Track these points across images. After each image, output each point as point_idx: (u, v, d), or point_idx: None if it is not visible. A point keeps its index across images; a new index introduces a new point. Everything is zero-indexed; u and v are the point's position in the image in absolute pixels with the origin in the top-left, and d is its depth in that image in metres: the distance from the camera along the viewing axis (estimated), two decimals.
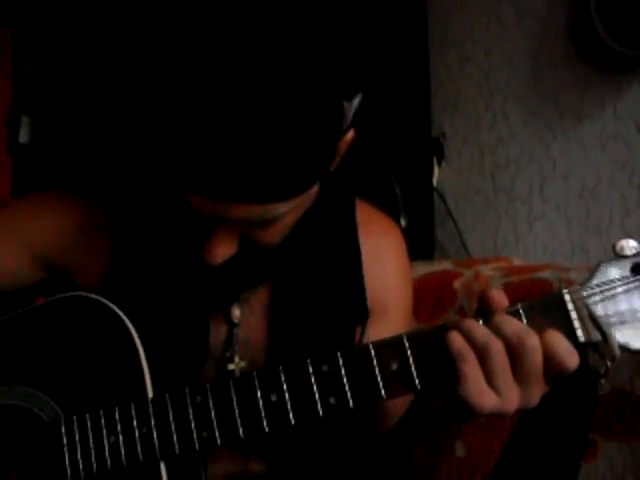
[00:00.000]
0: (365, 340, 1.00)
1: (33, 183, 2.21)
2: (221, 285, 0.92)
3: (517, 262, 1.65)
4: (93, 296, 0.90)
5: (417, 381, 0.77)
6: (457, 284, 1.49)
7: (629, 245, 0.75)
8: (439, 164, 2.38)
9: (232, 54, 0.71)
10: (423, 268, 1.57)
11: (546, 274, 1.40)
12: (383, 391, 0.77)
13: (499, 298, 0.76)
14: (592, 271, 0.77)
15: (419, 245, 2.27)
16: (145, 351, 0.87)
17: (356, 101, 0.79)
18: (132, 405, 0.85)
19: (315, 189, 0.85)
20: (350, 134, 0.83)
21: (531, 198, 2.20)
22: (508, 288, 1.39)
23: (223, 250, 0.81)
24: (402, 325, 1.07)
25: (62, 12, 2.13)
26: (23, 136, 2.23)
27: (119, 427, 0.84)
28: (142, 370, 0.86)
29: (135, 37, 0.78)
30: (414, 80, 2.36)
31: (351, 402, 0.78)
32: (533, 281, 1.37)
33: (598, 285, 0.76)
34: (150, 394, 0.85)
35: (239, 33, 0.72)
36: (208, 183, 0.74)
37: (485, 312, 0.76)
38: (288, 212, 0.81)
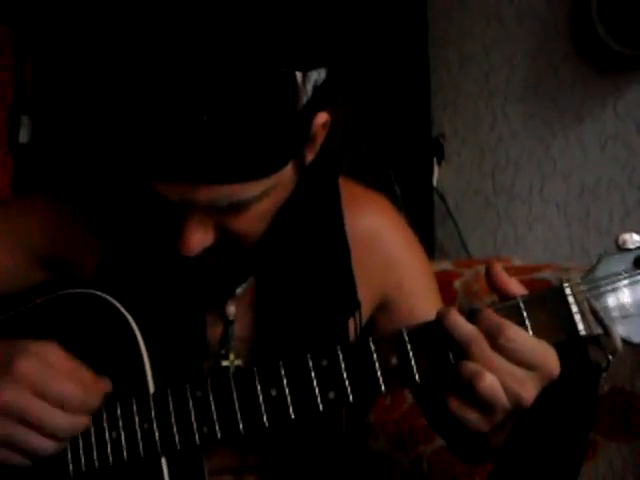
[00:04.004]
0: (392, 323, 0.99)
1: (33, 183, 2.21)
2: (212, 282, 0.91)
3: (517, 262, 1.65)
4: (95, 292, 0.90)
5: (417, 376, 0.77)
6: (457, 284, 1.49)
7: (632, 239, 0.75)
8: (439, 164, 2.39)
9: (176, 31, 0.71)
10: None
11: (546, 274, 1.41)
12: (383, 386, 0.77)
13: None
14: (593, 264, 0.76)
15: None
16: (146, 347, 0.87)
17: (314, 76, 0.76)
18: (134, 400, 0.85)
19: (288, 176, 0.83)
20: (323, 118, 0.81)
21: (531, 198, 2.20)
22: None
23: (196, 239, 0.80)
24: (427, 289, 1.05)
25: (62, 12, 2.13)
26: (23, 136, 2.22)
27: (121, 422, 0.84)
28: (143, 365, 0.86)
29: (93, 26, 0.77)
30: (414, 80, 2.37)
31: (351, 397, 0.78)
32: (533, 281, 1.37)
33: (599, 278, 0.75)
34: (151, 389, 0.85)
35: (180, 11, 0.71)
36: (171, 167, 0.73)
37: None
38: (260, 198, 0.79)
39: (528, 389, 0.74)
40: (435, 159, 2.38)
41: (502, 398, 0.73)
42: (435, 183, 2.38)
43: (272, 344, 0.96)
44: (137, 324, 0.88)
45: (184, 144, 0.71)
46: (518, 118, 2.22)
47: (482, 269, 1.52)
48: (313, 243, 0.98)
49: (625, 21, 1.90)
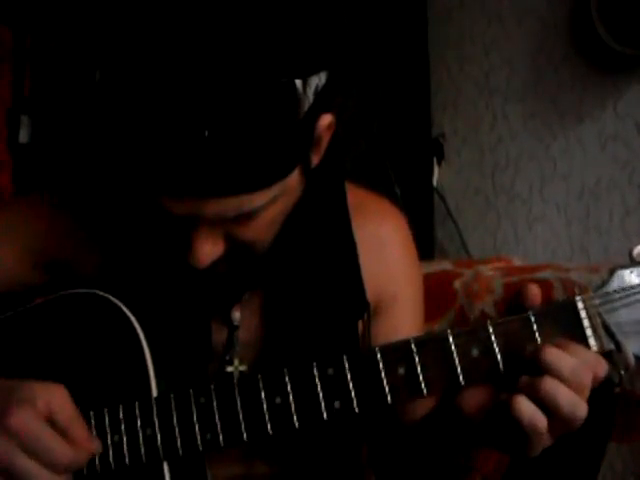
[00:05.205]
0: (373, 334, 0.98)
1: (33, 183, 2.21)
2: (219, 287, 0.91)
3: (517, 262, 1.65)
4: (98, 292, 0.90)
5: (424, 387, 0.76)
6: (457, 284, 1.49)
7: None
8: (439, 164, 2.39)
9: (173, 46, 0.70)
10: (423, 268, 1.56)
11: (546, 274, 1.40)
12: (389, 396, 0.77)
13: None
14: (606, 277, 0.74)
15: (419, 245, 2.27)
16: (149, 350, 0.87)
17: (315, 81, 0.76)
18: (136, 404, 0.84)
19: (295, 181, 0.82)
20: (327, 120, 0.80)
21: (531, 198, 2.20)
22: (508, 288, 1.38)
23: (207, 252, 0.79)
24: (414, 313, 1.05)
25: (62, 12, 2.13)
26: (23, 136, 2.22)
27: (123, 426, 0.84)
28: (147, 369, 0.86)
29: (91, 42, 0.77)
30: (414, 80, 2.37)
31: (356, 407, 0.77)
32: (533, 281, 1.37)
33: (612, 293, 0.73)
34: (154, 394, 0.85)
35: (177, 25, 0.71)
36: (176, 183, 0.73)
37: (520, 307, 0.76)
38: (267, 206, 0.79)
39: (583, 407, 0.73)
40: (435, 159, 2.38)
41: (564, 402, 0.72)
42: (435, 183, 2.38)
43: (277, 349, 0.95)
44: (141, 327, 0.88)
45: (188, 160, 0.71)
46: (518, 118, 2.22)
47: (482, 269, 1.52)
48: (320, 245, 0.98)
49: (625, 21, 1.90)
